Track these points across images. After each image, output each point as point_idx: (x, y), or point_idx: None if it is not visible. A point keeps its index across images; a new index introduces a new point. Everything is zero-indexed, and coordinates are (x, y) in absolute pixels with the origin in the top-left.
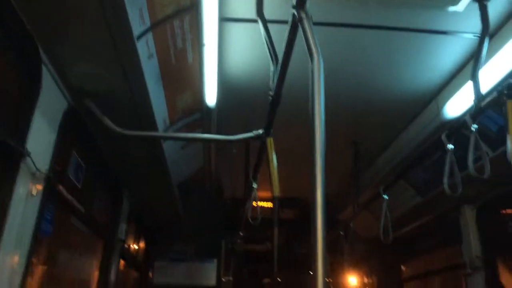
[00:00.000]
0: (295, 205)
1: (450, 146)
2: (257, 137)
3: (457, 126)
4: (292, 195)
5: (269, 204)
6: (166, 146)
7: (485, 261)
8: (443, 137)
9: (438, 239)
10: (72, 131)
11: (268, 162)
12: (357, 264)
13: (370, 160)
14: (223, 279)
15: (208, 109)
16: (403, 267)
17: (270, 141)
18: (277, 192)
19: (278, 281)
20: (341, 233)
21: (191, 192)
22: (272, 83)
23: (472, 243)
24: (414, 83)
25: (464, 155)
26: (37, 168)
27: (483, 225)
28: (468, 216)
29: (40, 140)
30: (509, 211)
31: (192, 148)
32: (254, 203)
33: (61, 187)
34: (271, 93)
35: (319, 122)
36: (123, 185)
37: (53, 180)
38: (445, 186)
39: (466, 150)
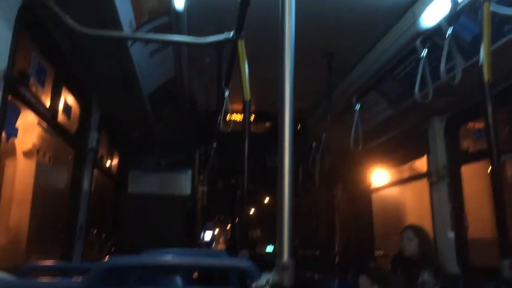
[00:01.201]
0: (267, 118)
1: (424, 53)
2: (228, 40)
3: (432, 32)
4: (264, 109)
5: (241, 117)
6: (134, 51)
7: (450, 170)
8: (418, 43)
9: (406, 150)
10: (31, 30)
11: (239, 66)
12: (328, 176)
13: (343, 73)
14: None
15: (176, 12)
16: (371, 179)
17: (241, 44)
18: (248, 96)
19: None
20: (313, 145)
21: (163, 103)
22: None
23: (439, 153)
24: None
25: (437, 66)
26: None
27: (451, 136)
28: (437, 127)
29: None
30: (477, 123)
31: (162, 56)
32: (228, 117)
33: (23, 89)
34: None
35: (289, 29)
36: (91, 93)
37: (13, 80)
38: (416, 93)
39: (439, 61)
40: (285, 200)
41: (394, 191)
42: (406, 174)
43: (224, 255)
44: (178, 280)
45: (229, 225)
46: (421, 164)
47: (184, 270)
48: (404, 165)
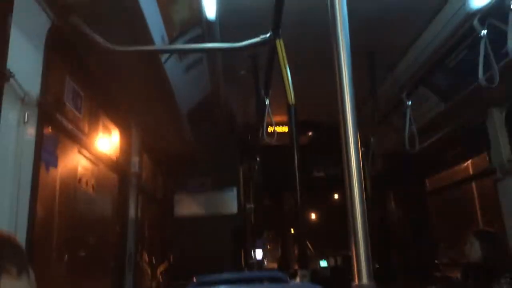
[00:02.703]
0: (308, 127)
1: (484, 32)
2: (265, 41)
3: (494, 6)
4: (303, 117)
5: (284, 129)
6: (169, 67)
7: None
8: (475, 22)
9: (463, 148)
10: (61, 53)
11: (280, 69)
12: (379, 182)
13: (386, 70)
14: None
15: (208, 22)
16: (426, 181)
17: (279, 43)
18: (292, 99)
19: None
20: (362, 149)
21: (202, 120)
22: None
23: (502, 147)
24: None
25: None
26: (25, 92)
27: None
28: (497, 119)
29: (25, 62)
30: None
31: (197, 71)
32: (269, 129)
33: (59, 116)
34: None
35: (342, 29)
36: (129, 115)
37: (48, 106)
38: (481, 77)
39: (497, 43)
40: (358, 216)
41: (454, 192)
42: (466, 173)
43: (283, 276)
44: None
45: (278, 241)
46: (483, 160)
47: None
48: (463, 164)
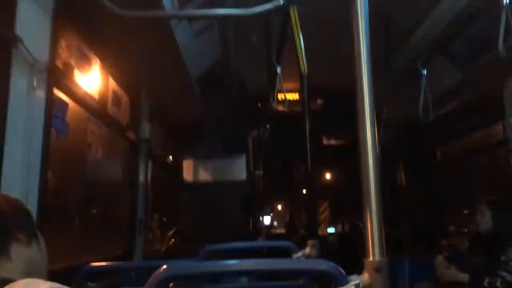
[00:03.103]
0: (318, 95)
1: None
2: (278, 8)
3: None
4: (313, 84)
5: (295, 96)
6: (178, 33)
7: None
8: None
9: (477, 118)
10: (70, 18)
11: (293, 36)
12: (391, 151)
13: (402, 38)
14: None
15: None
16: (438, 151)
17: (293, 10)
18: (305, 68)
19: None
20: None
21: (213, 87)
22: None
23: None
24: None
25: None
26: (34, 57)
27: None
28: None
29: (32, 26)
30: None
31: (208, 36)
32: (280, 96)
33: (68, 81)
34: None
35: None
36: (139, 81)
37: (57, 72)
38: (500, 46)
39: None
40: (372, 190)
41: (468, 162)
42: (480, 143)
43: (292, 246)
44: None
45: (286, 208)
46: (498, 131)
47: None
48: (478, 134)
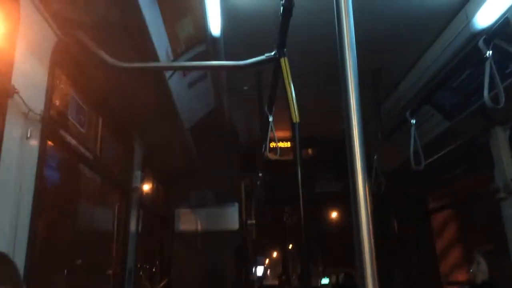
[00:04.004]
0: (310, 144)
1: (489, 53)
2: (270, 59)
3: (498, 27)
4: (305, 134)
5: (287, 144)
6: (172, 83)
7: None
8: (481, 43)
9: (465, 167)
10: (66, 68)
11: (284, 86)
12: (382, 200)
13: (390, 89)
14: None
15: (213, 38)
16: (429, 199)
17: (284, 61)
18: (296, 117)
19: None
20: None
21: (205, 136)
22: None
23: (505, 166)
24: None
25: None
26: (29, 108)
27: None
28: (500, 138)
29: (29, 77)
30: None
31: (201, 87)
32: (272, 144)
33: (62, 132)
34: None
35: (349, 51)
36: (132, 130)
37: (51, 122)
38: (486, 98)
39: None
40: (364, 236)
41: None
42: (468, 193)
43: None
44: None
45: (278, 258)
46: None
47: None
48: (466, 183)
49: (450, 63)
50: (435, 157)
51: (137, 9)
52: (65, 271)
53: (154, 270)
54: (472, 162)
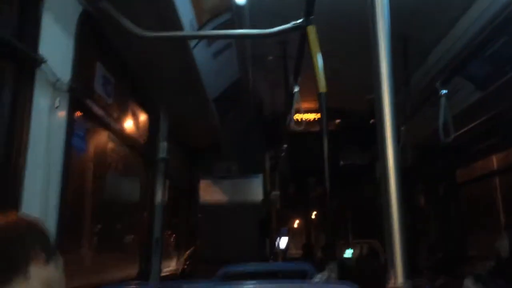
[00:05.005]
0: (336, 115)
1: None
2: (297, 27)
3: None
4: (331, 104)
5: (311, 116)
6: (197, 53)
7: None
8: None
9: (497, 139)
10: (92, 39)
11: (310, 56)
12: (409, 172)
13: (420, 58)
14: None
15: (238, 6)
16: (457, 172)
17: (311, 30)
18: (323, 87)
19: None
20: None
21: (230, 107)
22: None
23: None
24: None
25: None
26: (56, 78)
27: None
28: None
29: (56, 47)
30: None
31: (226, 57)
32: (297, 116)
33: (89, 102)
34: None
35: (382, 16)
36: (158, 102)
37: (79, 92)
38: None
39: None
40: (394, 214)
41: (488, 185)
42: (500, 166)
43: (310, 269)
44: None
45: (302, 229)
46: None
47: None
48: (497, 156)
49: (483, 31)
50: (466, 128)
51: None
52: (94, 239)
53: (180, 240)
54: (504, 134)
